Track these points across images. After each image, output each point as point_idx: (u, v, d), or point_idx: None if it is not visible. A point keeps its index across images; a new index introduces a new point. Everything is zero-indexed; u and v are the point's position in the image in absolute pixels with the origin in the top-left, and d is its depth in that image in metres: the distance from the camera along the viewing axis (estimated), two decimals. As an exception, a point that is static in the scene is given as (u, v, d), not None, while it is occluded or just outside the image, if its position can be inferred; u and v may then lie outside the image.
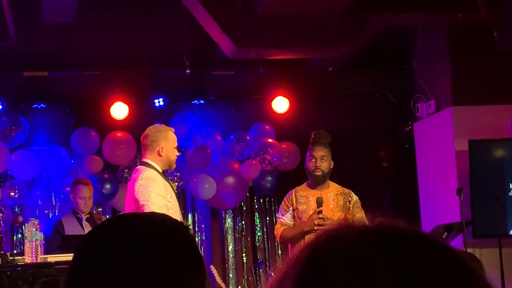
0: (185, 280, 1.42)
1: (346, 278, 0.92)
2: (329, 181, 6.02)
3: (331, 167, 5.98)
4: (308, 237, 5.73)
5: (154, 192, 5.38)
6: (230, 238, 9.42)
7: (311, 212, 5.81)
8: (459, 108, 8.43)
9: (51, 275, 5.48)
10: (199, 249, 1.52)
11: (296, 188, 6.06)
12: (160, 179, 5.52)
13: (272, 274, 7.53)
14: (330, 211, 5.83)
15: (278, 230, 5.98)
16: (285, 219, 5.97)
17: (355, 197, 5.96)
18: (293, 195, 5.99)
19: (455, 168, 8.34)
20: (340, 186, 6.02)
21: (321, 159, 5.89)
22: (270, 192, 9.44)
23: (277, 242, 9.47)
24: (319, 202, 5.78)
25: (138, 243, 1.43)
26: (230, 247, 9.40)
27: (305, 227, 5.78)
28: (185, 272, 1.43)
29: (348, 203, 5.91)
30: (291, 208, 5.96)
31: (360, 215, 5.84)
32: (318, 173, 5.89)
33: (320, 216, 5.72)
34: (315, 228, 5.69)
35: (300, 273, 0.96)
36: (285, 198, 6.07)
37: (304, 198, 5.93)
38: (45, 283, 5.45)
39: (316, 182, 5.92)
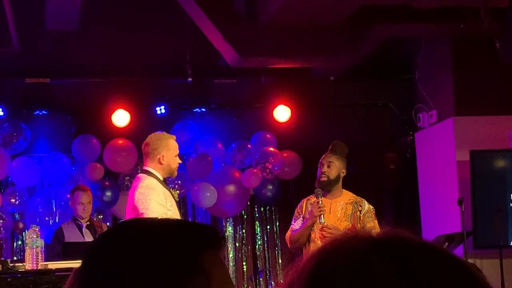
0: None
1: (352, 289, 0.92)
2: (343, 190, 5.99)
3: (341, 175, 5.95)
4: (313, 244, 5.72)
5: (154, 201, 5.37)
6: (230, 246, 9.41)
7: (319, 224, 5.78)
8: (460, 119, 8.43)
9: (51, 282, 5.47)
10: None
11: (309, 196, 6.03)
12: (160, 187, 5.52)
13: (273, 283, 7.49)
14: (337, 220, 5.81)
15: (287, 235, 5.98)
16: (295, 225, 5.95)
17: (367, 206, 5.90)
18: (304, 203, 5.98)
19: (456, 178, 8.34)
20: (354, 195, 5.97)
21: (328, 166, 5.89)
22: (271, 201, 9.44)
23: (277, 251, 9.48)
24: (317, 194, 5.78)
25: (157, 249, 1.43)
26: (231, 256, 9.39)
27: (308, 221, 5.77)
28: (197, 280, 1.44)
29: (358, 212, 5.86)
30: (301, 216, 5.95)
31: (371, 224, 5.78)
32: (323, 178, 5.88)
33: (325, 226, 5.70)
34: (320, 235, 5.68)
35: (306, 283, 0.95)
36: (298, 205, 6.06)
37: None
38: (45, 290, 5.44)
39: (323, 189, 5.89)
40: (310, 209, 5.84)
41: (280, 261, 9.46)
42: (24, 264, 5.65)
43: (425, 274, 0.93)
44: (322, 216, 5.70)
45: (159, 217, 1.59)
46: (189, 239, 1.49)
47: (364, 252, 0.95)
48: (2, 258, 6.34)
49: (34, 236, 5.63)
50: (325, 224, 5.70)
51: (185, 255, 1.45)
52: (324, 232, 5.66)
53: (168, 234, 1.47)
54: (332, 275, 0.94)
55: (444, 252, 0.98)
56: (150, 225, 1.52)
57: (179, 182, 8.73)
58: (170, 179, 6.46)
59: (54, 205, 8.74)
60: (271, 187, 9.29)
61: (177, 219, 1.56)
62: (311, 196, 6.01)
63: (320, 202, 5.75)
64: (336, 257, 0.96)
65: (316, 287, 0.95)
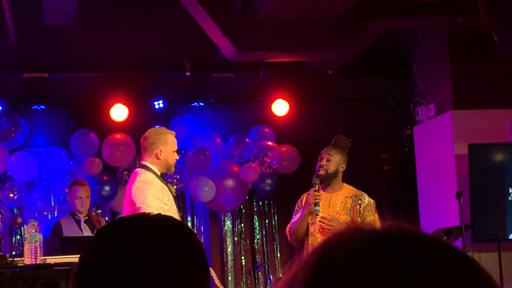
0: (193, 282, 1.44)
1: (354, 283, 0.92)
2: (344, 184, 5.97)
3: (340, 170, 5.93)
4: (312, 238, 5.72)
5: (151, 195, 5.37)
6: (229, 240, 9.42)
7: (314, 214, 5.77)
8: (459, 112, 8.44)
9: (50, 276, 5.47)
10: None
11: (310, 191, 6.01)
12: (157, 182, 5.51)
13: (272, 277, 7.46)
14: (336, 213, 5.78)
15: (287, 228, 5.97)
16: (295, 218, 5.95)
17: (367, 200, 5.87)
18: (304, 197, 5.96)
19: (455, 172, 8.35)
20: (354, 189, 5.95)
21: (327, 159, 5.87)
22: (269, 195, 9.44)
23: (276, 245, 9.48)
24: (315, 183, 5.76)
25: (151, 246, 1.43)
26: (229, 250, 9.39)
27: (305, 210, 5.76)
28: (194, 275, 1.45)
29: (358, 205, 5.84)
30: (301, 209, 5.94)
31: (371, 218, 5.74)
32: (321, 172, 5.86)
33: (323, 216, 5.70)
34: (320, 228, 5.67)
35: (309, 276, 0.95)
36: (298, 200, 6.05)
37: None
38: (44, 284, 5.44)
39: (321, 182, 5.88)
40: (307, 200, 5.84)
41: (278, 255, 9.46)
42: (22, 258, 5.65)
43: (427, 267, 0.93)
44: (317, 203, 5.68)
45: (156, 212, 1.60)
46: (185, 236, 1.50)
47: (366, 245, 0.95)
48: (0, 253, 6.34)
49: (33, 231, 5.63)
50: (320, 211, 5.69)
51: (182, 252, 1.46)
52: (323, 224, 5.66)
53: (164, 231, 1.48)
54: (334, 268, 0.94)
55: (446, 245, 0.98)
56: (146, 221, 1.53)
57: (178, 176, 8.74)
58: (168, 173, 6.44)
59: (52, 199, 8.75)
60: (269, 181, 9.29)
61: (172, 217, 1.56)
62: (311, 190, 6.00)
63: (317, 191, 5.74)
64: (338, 250, 0.96)
65: (319, 280, 0.95)
